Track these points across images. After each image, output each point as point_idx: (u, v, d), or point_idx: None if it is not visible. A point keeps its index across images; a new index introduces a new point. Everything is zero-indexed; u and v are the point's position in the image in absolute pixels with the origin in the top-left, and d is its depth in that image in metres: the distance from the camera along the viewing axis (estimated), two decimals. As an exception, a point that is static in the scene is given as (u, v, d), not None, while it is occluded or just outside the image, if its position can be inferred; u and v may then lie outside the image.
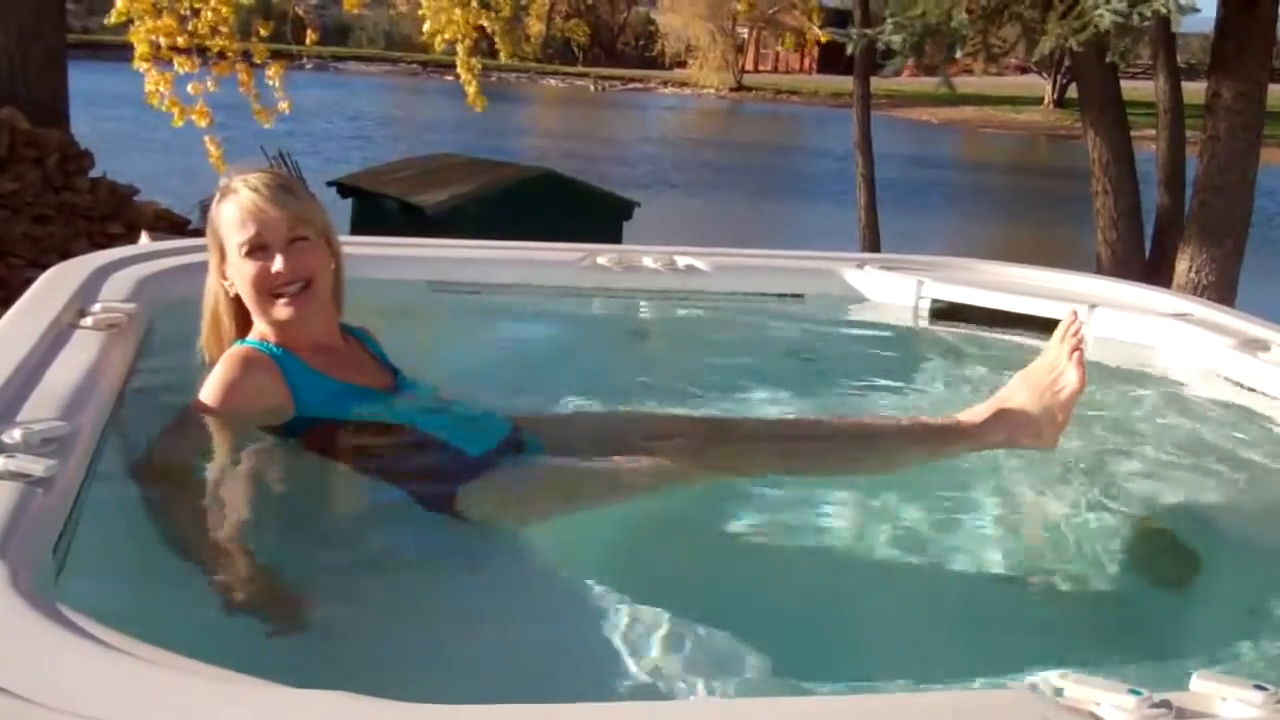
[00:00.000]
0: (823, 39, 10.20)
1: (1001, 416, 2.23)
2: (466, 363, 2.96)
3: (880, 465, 2.26)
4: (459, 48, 8.05)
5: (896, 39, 6.54)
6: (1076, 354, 2.19)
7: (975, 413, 2.27)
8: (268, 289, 2.06)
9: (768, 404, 2.71)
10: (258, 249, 2.06)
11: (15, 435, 1.68)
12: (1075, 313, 2.28)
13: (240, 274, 2.08)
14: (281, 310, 2.06)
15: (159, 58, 7.27)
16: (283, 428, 2.04)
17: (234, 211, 2.07)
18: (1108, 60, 6.16)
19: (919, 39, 6.53)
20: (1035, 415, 2.21)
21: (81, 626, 1.27)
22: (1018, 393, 2.24)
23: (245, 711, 1.15)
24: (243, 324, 2.15)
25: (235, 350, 2.07)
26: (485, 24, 8.17)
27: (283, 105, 7.95)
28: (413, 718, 1.15)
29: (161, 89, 7.39)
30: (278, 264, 2.05)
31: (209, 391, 2.01)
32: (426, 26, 8.13)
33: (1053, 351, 2.23)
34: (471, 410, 2.21)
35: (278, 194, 2.07)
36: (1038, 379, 2.23)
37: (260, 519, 1.97)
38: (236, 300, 2.13)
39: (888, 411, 2.68)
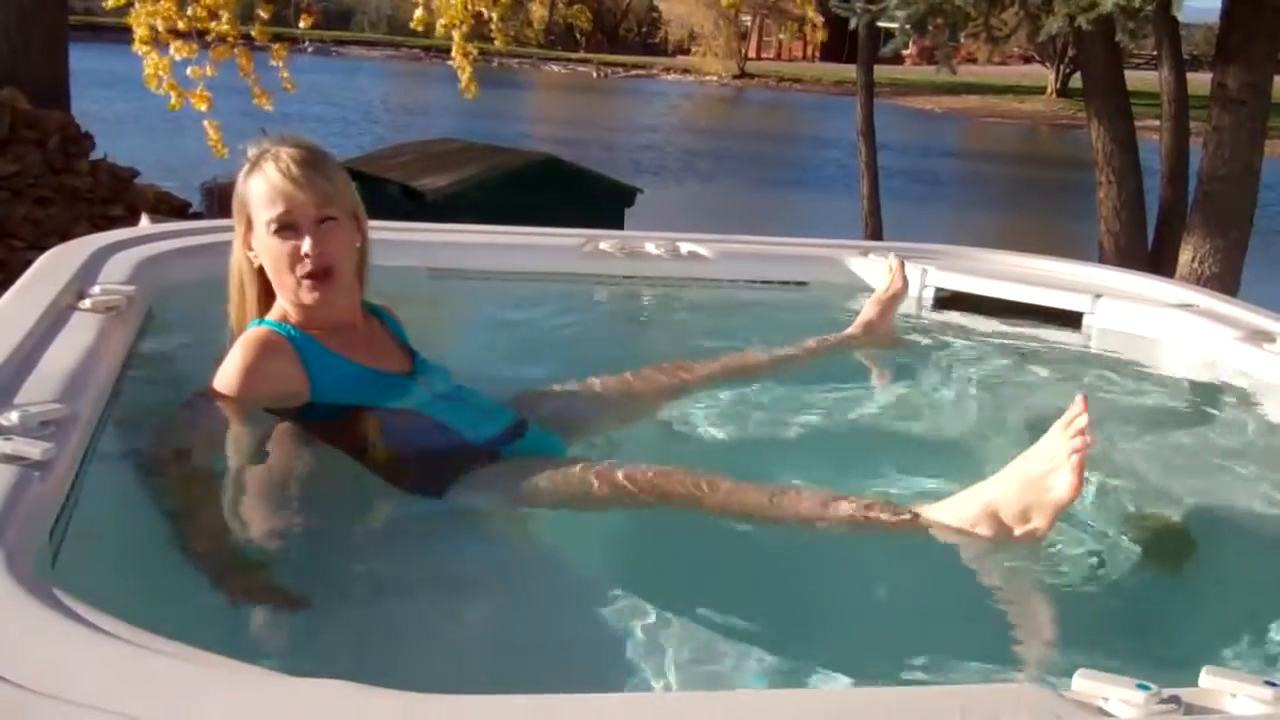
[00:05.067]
0: (818, 22, 10.19)
1: (970, 503, 1.87)
2: (467, 350, 2.94)
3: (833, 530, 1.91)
4: (455, 34, 8.01)
5: (900, 15, 6.52)
6: (1076, 457, 1.78)
7: (938, 508, 1.90)
8: (294, 269, 2.03)
9: (769, 393, 2.69)
10: (286, 228, 2.03)
11: (12, 418, 1.66)
12: (1085, 399, 1.81)
13: (267, 250, 2.05)
14: (306, 294, 2.04)
15: (159, 41, 7.24)
16: (295, 411, 2.02)
17: (263, 188, 2.04)
18: (1116, 40, 6.13)
19: (922, 17, 6.51)
20: (1010, 513, 1.83)
21: (77, 612, 1.26)
22: (1003, 480, 1.86)
23: (241, 698, 1.14)
24: (265, 294, 2.12)
25: (253, 333, 2.04)
26: (484, 10, 8.12)
27: (287, 86, 7.92)
28: (409, 706, 1.14)
29: (161, 73, 7.36)
30: (306, 245, 2.02)
31: (227, 376, 1.98)
32: (417, 14, 8.10)
33: (1052, 442, 1.82)
34: (478, 397, 2.20)
35: (307, 172, 2.03)
36: (1029, 469, 1.83)
37: (267, 505, 1.96)
38: (261, 271, 2.11)
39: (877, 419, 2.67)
